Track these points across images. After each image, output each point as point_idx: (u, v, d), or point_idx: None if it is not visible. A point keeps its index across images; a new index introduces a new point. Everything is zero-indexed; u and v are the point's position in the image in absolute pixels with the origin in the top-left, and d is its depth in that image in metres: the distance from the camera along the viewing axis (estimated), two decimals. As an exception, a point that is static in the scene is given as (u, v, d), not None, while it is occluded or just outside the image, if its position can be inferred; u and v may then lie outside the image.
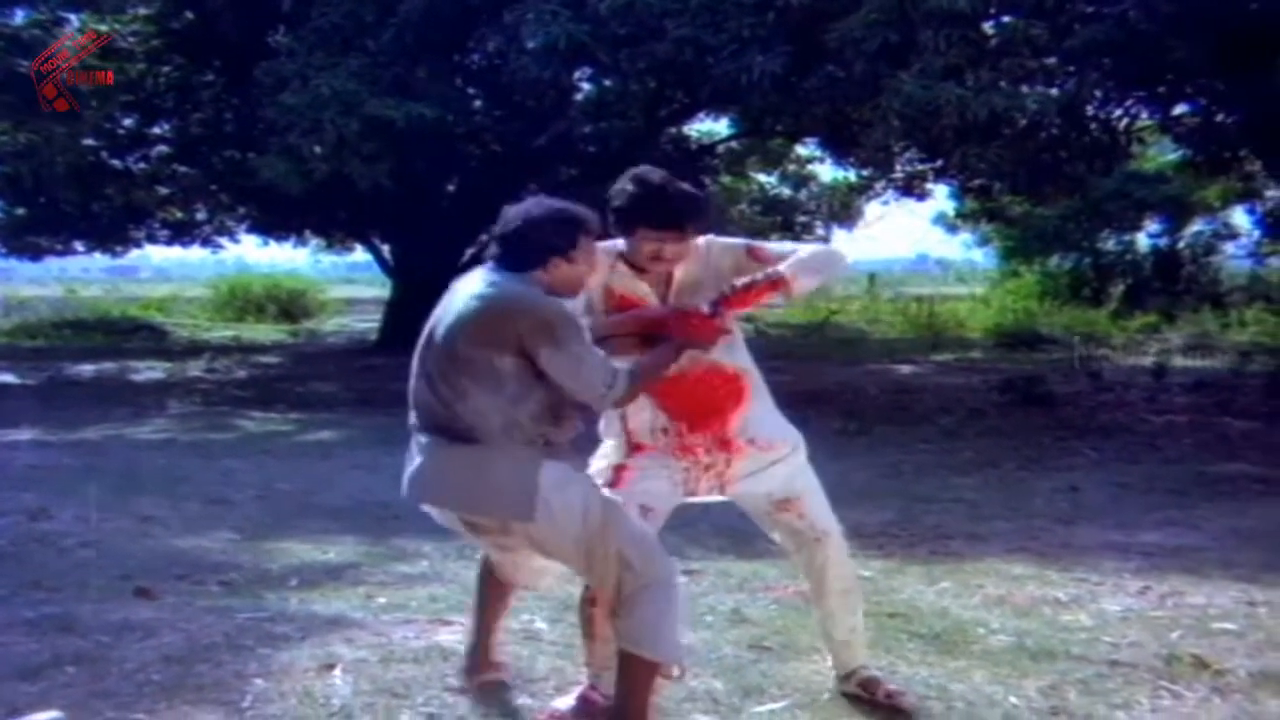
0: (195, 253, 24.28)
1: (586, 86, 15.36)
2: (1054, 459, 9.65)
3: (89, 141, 16.36)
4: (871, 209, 25.58)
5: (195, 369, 17.61)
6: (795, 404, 4.71)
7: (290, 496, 8.06)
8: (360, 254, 26.14)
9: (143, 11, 17.23)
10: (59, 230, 19.94)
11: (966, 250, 34.53)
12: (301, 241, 25.55)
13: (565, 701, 3.91)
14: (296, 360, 19.74)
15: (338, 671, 4.23)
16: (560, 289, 3.56)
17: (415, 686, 4.12)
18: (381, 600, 5.30)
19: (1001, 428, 11.38)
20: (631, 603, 3.48)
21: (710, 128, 21.36)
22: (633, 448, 3.84)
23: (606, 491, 3.76)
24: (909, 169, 20.13)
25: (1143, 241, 28.96)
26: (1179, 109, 14.38)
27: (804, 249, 3.92)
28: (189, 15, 16.95)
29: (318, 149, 12.83)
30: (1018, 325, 23.23)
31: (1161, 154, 23.88)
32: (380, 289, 28.61)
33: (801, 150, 23.10)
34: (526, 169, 16.79)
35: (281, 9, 13.88)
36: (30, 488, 8.13)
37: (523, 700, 4.05)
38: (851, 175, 22.62)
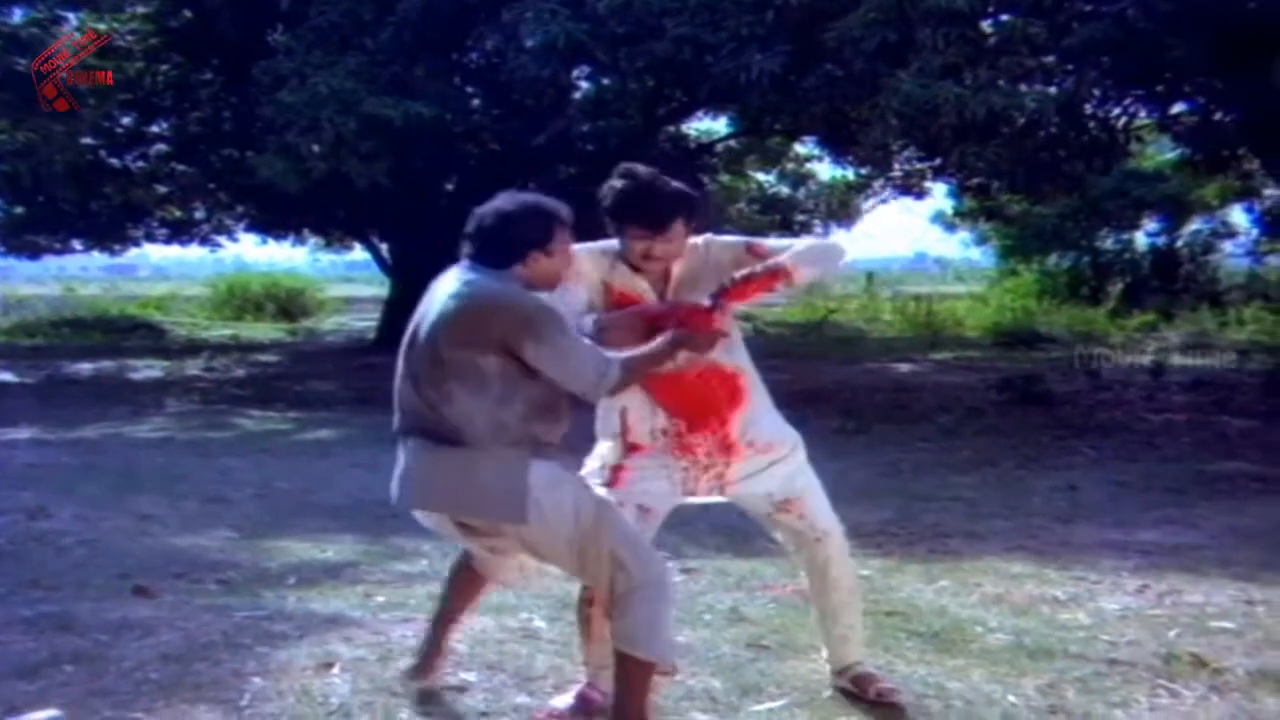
0: (194, 251, 24.27)
1: (585, 85, 15.39)
2: (1052, 458, 9.65)
3: (87, 140, 16.35)
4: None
5: (194, 368, 17.61)
6: (794, 403, 4.72)
7: (289, 495, 8.06)
8: (359, 253, 26.14)
9: (141, 10, 17.22)
10: (57, 229, 19.93)
11: (965, 249, 34.59)
12: (300, 240, 25.55)
13: (564, 700, 3.91)
14: (295, 359, 19.74)
15: (336, 670, 4.23)
16: (539, 283, 3.53)
17: (414, 685, 4.12)
18: (380, 599, 5.30)
19: (1000, 426, 11.38)
20: (625, 603, 3.46)
21: (709, 126, 21.39)
22: (630, 448, 3.84)
23: (604, 492, 3.75)
24: (907, 167, 20.15)
25: (1141, 240, 29.01)
26: (1177, 107, 14.39)
27: (802, 242, 3.94)
28: (187, 14, 16.94)
29: (316, 147, 12.83)
30: (1016, 324, 23.24)
31: (1160, 153, 23.90)
32: (379, 288, 28.59)
33: (800, 149, 23.10)
34: (525, 168, 16.77)
35: (280, 8, 13.87)
36: (29, 486, 8.13)
37: (521, 699, 4.05)
38: (850, 174, 22.63)
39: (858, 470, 8.70)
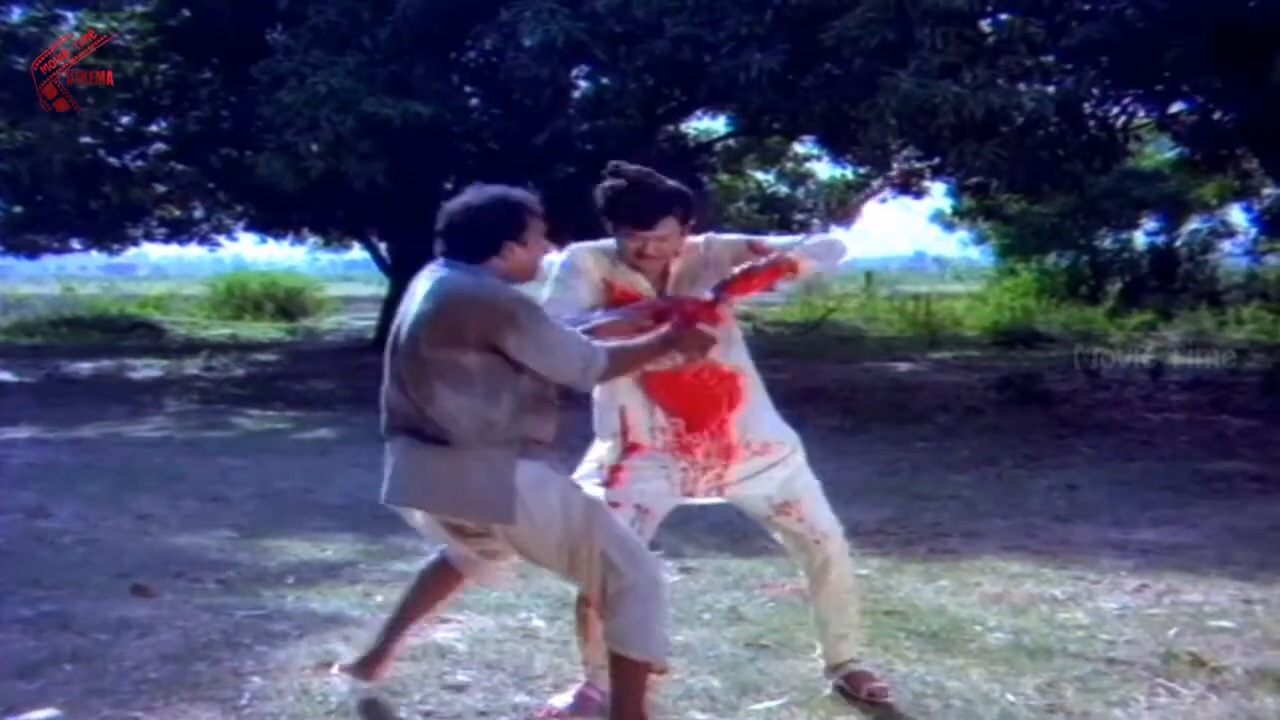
0: (193, 251, 24.24)
1: (584, 84, 15.39)
2: (1051, 457, 9.65)
3: (86, 139, 16.32)
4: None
5: (193, 367, 17.61)
6: (793, 402, 4.72)
7: (288, 494, 8.06)
8: (358, 252, 26.11)
9: (140, 9, 17.20)
10: (56, 228, 19.92)
11: (964, 248, 34.52)
12: (299, 239, 25.52)
13: (563, 699, 3.92)
14: (294, 358, 19.74)
15: (335, 669, 4.23)
16: (517, 274, 3.50)
17: (412, 684, 4.13)
18: (379, 598, 5.29)
19: (999, 426, 11.38)
20: (616, 603, 3.43)
21: (708, 126, 21.36)
22: (629, 448, 3.84)
23: (602, 492, 3.75)
24: (906, 167, 20.12)
25: (1140, 239, 29.01)
26: (1176, 107, 14.41)
27: (805, 238, 3.95)
28: (186, 13, 16.92)
29: (314, 147, 12.82)
30: (1015, 323, 23.23)
31: (1159, 152, 23.90)
32: (378, 287, 28.56)
33: (799, 148, 23.07)
34: (524, 167, 16.71)
35: (278, 7, 13.86)
36: (28, 485, 8.14)
37: (520, 698, 4.05)
38: (849, 173, 22.62)
39: (857, 469, 8.70)
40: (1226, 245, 29.05)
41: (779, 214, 24.18)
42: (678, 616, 4.96)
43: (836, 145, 18.26)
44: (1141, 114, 14.54)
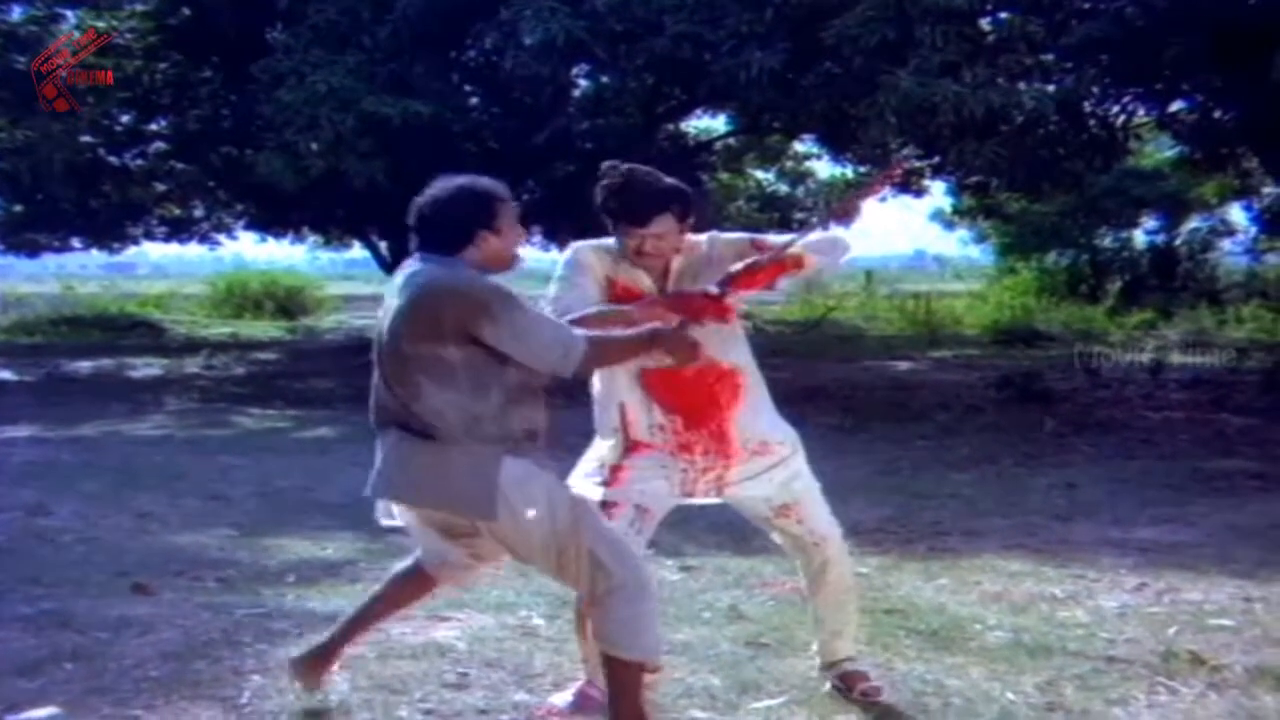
0: (193, 249, 24.19)
1: (584, 83, 15.37)
2: (1051, 455, 9.66)
3: (86, 138, 16.29)
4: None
5: (193, 366, 17.62)
6: (793, 400, 4.72)
7: (288, 493, 8.06)
8: (358, 250, 26.04)
9: (140, 8, 17.18)
10: (56, 227, 19.89)
11: (964, 247, 34.48)
12: (299, 238, 25.48)
13: (563, 697, 3.92)
14: (294, 357, 19.75)
15: (335, 667, 4.24)
16: (493, 264, 3.48)
17: (412, 682, 4.14)
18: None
19: (999, 424, 11.38)
20: (605, 603, 3.42)
21: (708, 124, 21.34)
22: (630, 447, 3.84)
23: (603, 491, 3.76)
24: (906, 165, 20.09)
25: (1140, 238, 28.99)
26: (1176, 105, 14.40)
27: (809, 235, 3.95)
28: (186, 12, 16.89)
29: (314, 146, 12.80)
30: (1015, 322, 23.22)
31: (1159, 151, 23.87)
32: (378, 285, 28.42)
33: (799, 147, 23.05)
34: (524, 166, 16.75)
35: (279, 6, 13.85)
36: (28, 484, 8.15)
37: (520, 696, 4.06)
38: (849, 172, 22.60)
39: (856, 468, 8.71)
40: (1226, 244, 29.05)
41: (779, 213, 24.16)
42: (678, 615, 4.97)
43: (836, 144, 18.26)
44: (1141, 113, 14.54)
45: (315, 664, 3.90)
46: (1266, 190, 24.07)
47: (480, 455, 3.36)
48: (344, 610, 5.02)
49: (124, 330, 24.30)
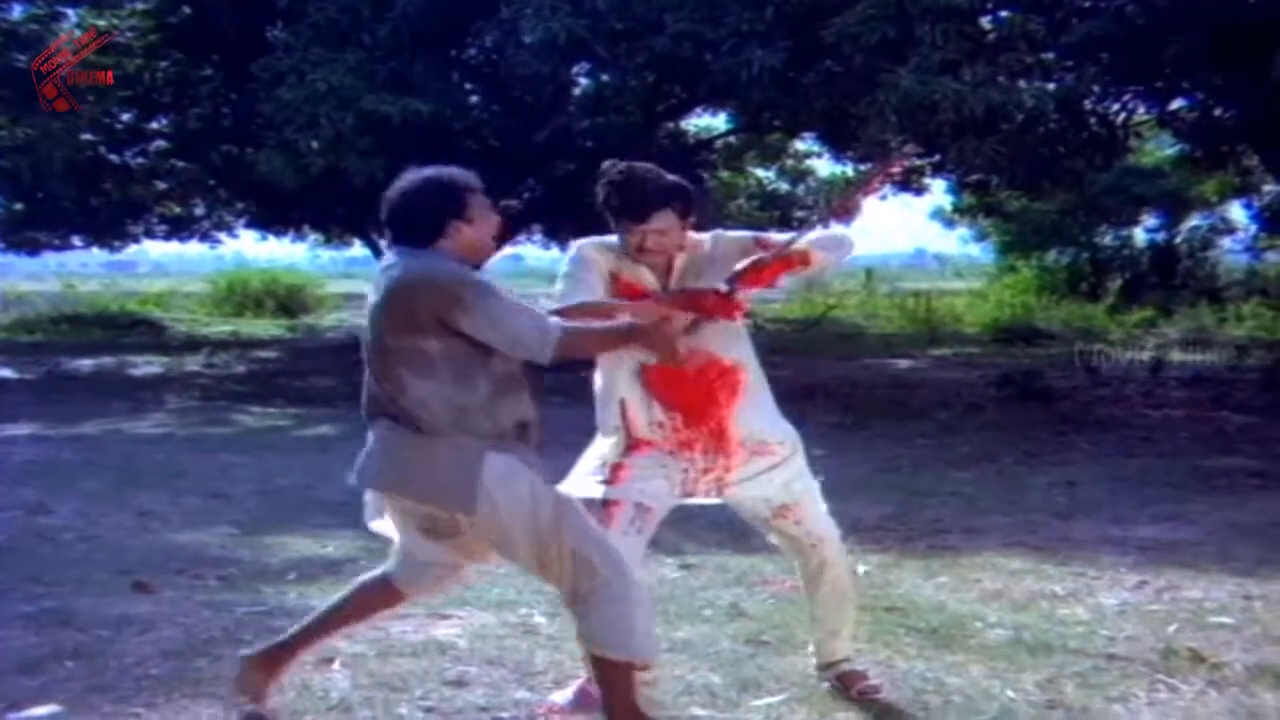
0: (193, 248, 24.22)
1: (584, 81, 15.36)
2: (1051, 453, 9.66)
3: (87, 136, 16.30)
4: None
5: (193, 364, 17.61)
6: (793, 398, 4.73)
7: (289, 491, 8.06)
8: (358, 249, 26.05)
9: (140, 6, 17.19)
10: (57, 225, 19.89)
11: (964, 245, 34.47)
12: (299, 236, 25.48)
13: (563, 695, 3.93)
14: (295, 355, 19.75)
15: (336, 665, 4.25)
16: (469, 253, 3.46)
17: (413, 680, 4.14)
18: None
19: (999, 422, 11.39)
20: (588, 603, 3.39)
21: (708, 123, 21.35)
22: (631, 445, 3.84)
23: (603, 489, 3.76)
24: (906, 164, 20.07)
25: (1140, 236, 28.99)
26: (1176, 103, 14.40)
27: (812, 232, 3.95)
28: (187, 10, 16.90)
29: (314, 144, 12.81)
30: (1015, 320, 23.21)
31: (1159, 149, 23.84)
32: (378, 284, 28.52)
33: (799, 145, 23.05)
34: (524, 164, 16.76)
35: (279, 4, 13.86)
36: (29, 482, 8.15)
37: (521, 694, 4.06)
38: (849, 170, 22.59)
39: (857, 466, 8.70)
40: (1226, 242, 29.04)
41: (779, 211, 24.17)
42: (678, 612, 4.98)
43: (837, 142, 18.26)
44: (1142, 111, 14.54)
45: (263, 666, 3.77)
46: (1267, 188, 24.06)
47: (465, 449, 3.35)
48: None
49: (125, 328, 24.29)
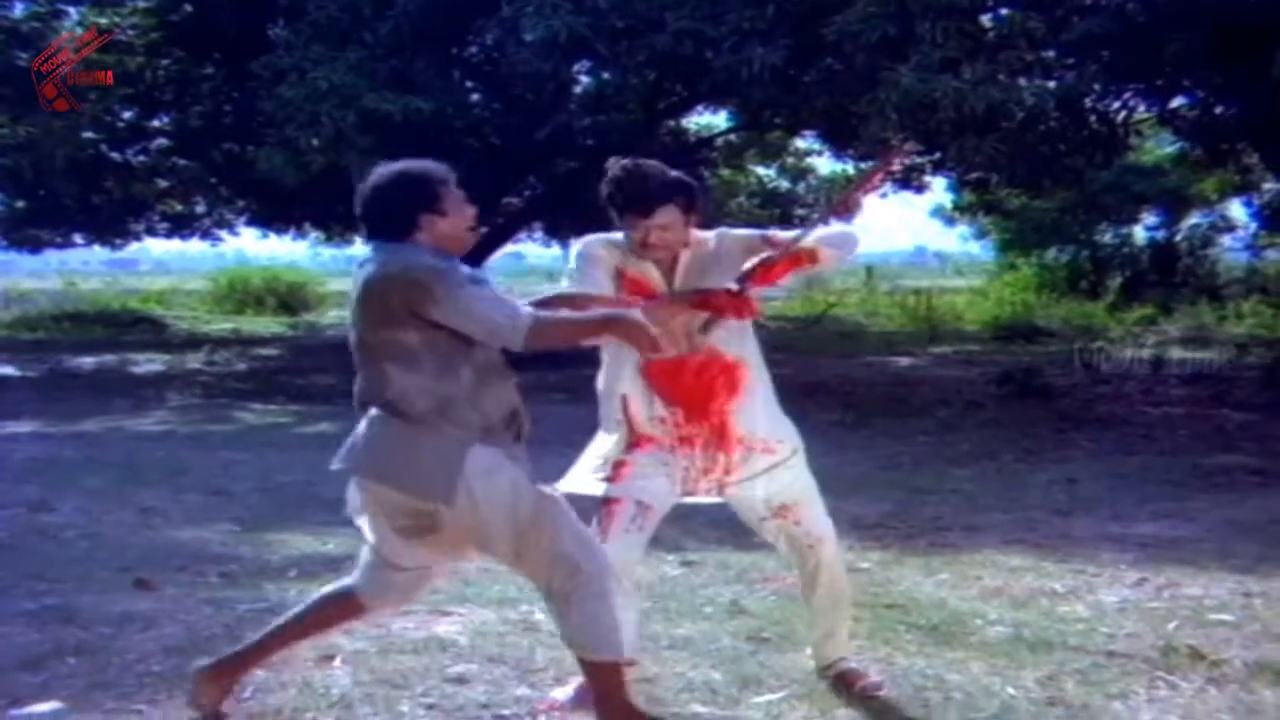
0: (195, 245, 24.23)
1: (585, 79, 15.36)
2: (1051, 451, 9.67)
3: (88, 134, 16.33)
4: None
5: (195, 361, 17.62)
6: (794, 396, 4.73)
7: (290, 488, 8.06)
8: (359, 246, 26.04)
9: (141, 4, 17.20)
10: (58, 223, 19.91)
11: (964, 243, 34.44)
12: (300, 234, 25.47)
13: (564, 692, 3.93)
14: (296, 352, 19.74)
15: (337, 662, 4.26)
16: (446, 246, 3.46)
17: (414, 677, 4.15)
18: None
19: (999, 420, 11.40)
20: (566, 602, 3.37)
21: (709, 121, 21.37)
22: (634, 441, 3.85)
23: (605, 487, 3.76)
24: (906, 161, 20.06)
25: (1140, 234, 28.97)
26: (1177, 102, 14.40)
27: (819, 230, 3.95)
28: (188, 8, 16.91)
29: (315, 142, 12.81)
30: (1015, 318, 23.21)
31: (1159, 147, 23.83)
32: (379, 281, 28.50)
33: (800, 143, 23.06)
34: (525, 162, 16.78)
35: (280, 2, 13.86)
36: (31, 480, 8.15)
37: (522, 690, 4.07)
38: (850, 168, 22.59)
39: (857, 463, 8.72)
40: (1226, 240, 29.02)
41: (780, 209, 24.17)
42: (679, 610, 4.99)
43: (837, 140, 18.26)
44: (1142, 109, 14.54)
45: (218, 676, 3.73)
46: (1267, 186, 24.07)
47: (450, 440, 3.35)
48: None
49: (126, 326, 24.30)
